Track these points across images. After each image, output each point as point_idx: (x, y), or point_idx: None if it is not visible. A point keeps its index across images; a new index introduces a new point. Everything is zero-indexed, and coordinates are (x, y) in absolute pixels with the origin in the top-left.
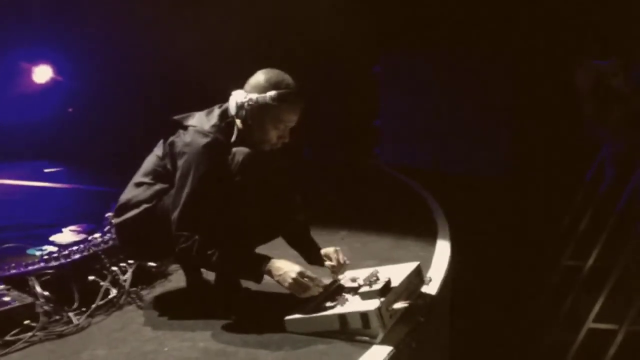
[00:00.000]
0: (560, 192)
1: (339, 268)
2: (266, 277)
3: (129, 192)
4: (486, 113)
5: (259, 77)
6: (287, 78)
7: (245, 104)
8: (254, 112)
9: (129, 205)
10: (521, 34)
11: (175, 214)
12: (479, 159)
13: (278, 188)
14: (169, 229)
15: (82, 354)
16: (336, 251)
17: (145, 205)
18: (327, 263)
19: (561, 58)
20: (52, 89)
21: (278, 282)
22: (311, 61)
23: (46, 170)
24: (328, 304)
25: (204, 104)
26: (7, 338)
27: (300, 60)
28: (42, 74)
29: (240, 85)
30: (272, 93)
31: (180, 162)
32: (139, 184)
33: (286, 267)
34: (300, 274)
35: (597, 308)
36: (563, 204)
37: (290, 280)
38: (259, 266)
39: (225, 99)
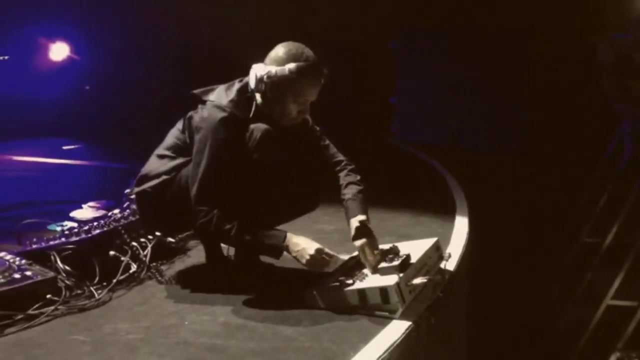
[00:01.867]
0: (579, 169)
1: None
2: (285, 254)
3: (151, 164)
4: (503, 89)
5: (279, 50)
6: (307, 51)
7: (265, 77)
8: (273, 86)
9: (149, 176)
10: (539, 8)
11: (193, 190)
12: (495, 136)
13: (295, 167)
14: (186, 202)
15: (104, 327)
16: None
17: (164, 177)
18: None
19: (579, 33)
20: (69, 67)
21: (295, 258)
22: (327, 37)
23: (64, 148)
24: (347, 279)
25: (221, 80)
26: (30, 312)
27: (317, 36)
28: (59, 51)
29: (257, 61)
30: (291, 66)
31: (197, 137)
32: (161, 156)
33: (304, 244)
34: (319, 251)
35: (616, 285)
36: (581, 181)
37: (307, 257)
38: (278, 241)
39: (244, 73)
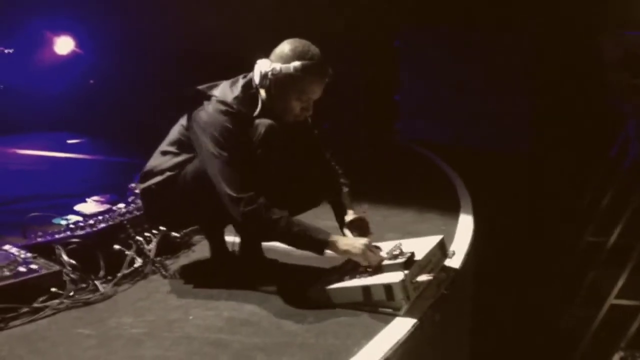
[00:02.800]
0: (583, 168)
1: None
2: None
3: (155, 160)
4: (508, 87)
5: (285, 46)
6: (313, 49)
7: (269, 74)
8: (277, 82)
9: (153, 172)
10: (543, 7)
11: (223, 184)
12: (500, 134)
13: (308, 157)
14: (191, 198)
15: (109, 321)
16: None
17: (168, 173)
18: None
19: (584, 31)
20: (73, 61)
21: (346, 251)
22: (332, 35)
23: (69, 142)
24: (352, 276)
25: (225, 76)
26: (35, 305)
27: (321, 33)
28: (64, 45)
29: (261, 57)
30: (296, 63)
31: (203, 135)
32: (164, 153)
33: (352, 238)
34: (368, 244)
35: (619, 284)
36: (586, 180)
37: (362, 247)
38: (326, 236)
39: (250, 69)
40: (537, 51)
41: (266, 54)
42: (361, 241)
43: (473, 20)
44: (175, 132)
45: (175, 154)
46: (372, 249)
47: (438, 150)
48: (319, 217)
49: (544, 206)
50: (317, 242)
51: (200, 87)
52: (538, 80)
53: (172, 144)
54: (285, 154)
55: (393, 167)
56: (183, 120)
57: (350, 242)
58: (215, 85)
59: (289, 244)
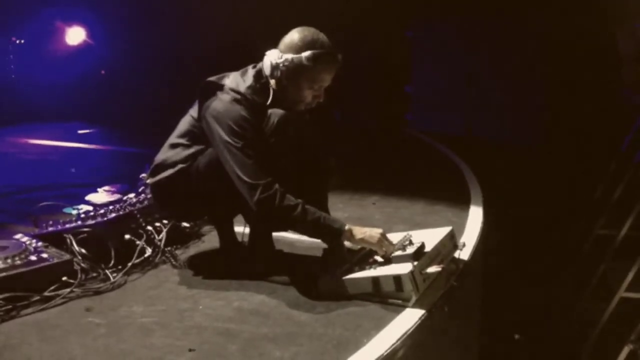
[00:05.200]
0: (594, 161)
1: None
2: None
3: (165, 153)
4: (519, 80)
5: (294, 36)
6: (322, 37)
7: (280, 65)
8: (289, 73)
9: (164, 165)
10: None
11: (239, 171)
12: (512, 126)
13: (311, 151)
14: (203, 189)
15: (119, 310)
16: None
17: (180, 166)
18: None
19: (596, 23)
20: (85, 51)
21: (362, 239)
22: (344, 25)
23: (80, 132)
24: (361, 266)
25: (236, 66)
26: (46, 294)
27: (333, 23)
28: (75, 35)
29: (273, 45)
30: (307, 53)
31: (217, 125)
32: (174, 145)
33: (367, 228)
34: (383, 234)
35: (629, 277)
36: (596, 172)
37: (378, 236)
38: (341, 225)
39: (258, 59)
40: (550, 42)
41: (275, 44)
42: (377, 230)
43: (486, 11)
44: (185, 123)
45: (187, 146)
46: (388, 239)
47: (449, 142)
48: (331, 208)
49: (555, 199)
50: (333, 231)
51: (211, 79)
52: (551, 73)
53: (183, 135)
54: (297, 143)
55: (403, 158)
56: (193, 112)
57: (366, 231)
58: (225, 76)
59: (303, 233)
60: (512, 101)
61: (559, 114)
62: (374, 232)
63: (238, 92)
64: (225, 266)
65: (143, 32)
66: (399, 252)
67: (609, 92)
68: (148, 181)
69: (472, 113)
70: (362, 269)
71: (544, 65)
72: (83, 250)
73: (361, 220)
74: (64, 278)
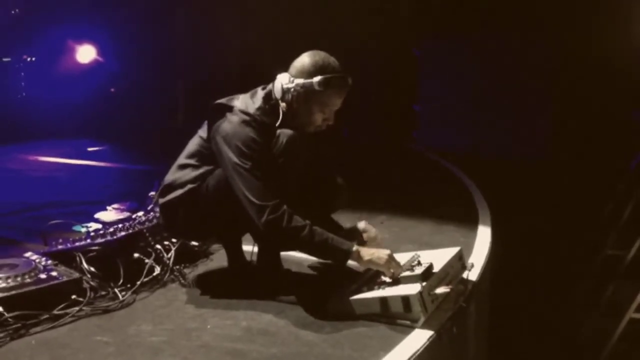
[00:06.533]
0: (602, 179)
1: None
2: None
3: (174, 174)
4: (525, 97)
5: (305, 60)
6: (333, 61)
7: (292, 89)
8: (299, 97)
9: (174, 186)
10: (561, 15)
11: (247, 193)
12: (519, 144)
13: (320, 170)
14: (212, 209)
15: (128, 328)
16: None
17: (190, 186)
18: (366, 235)
19: (603, 39)
20: (95, 69)
21: (370, 261)
22: (351, 44)
23: (90, 149)
24: (369, 287)
25: (245, 84)
26: (55, 312)
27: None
28: (86, 53)
29: (282, 67)
30: (318, 78)
31: (226, 146)
32: (184, 166)
33: (375, 249)
34: (390, 255)
35: (638, 299)
36: (605, 191)
37: (386, 257)
38: (349, 247)
39: (268, 81)
40: (555, 61)
41: (284, 65)
42: (385, 251)
43: (492, 30)
44: (193, 144)
45: (196, 167)
46: (395, 260)
47: (456, 160)
48: None
49: (563, 217)
50: (340, 252)
51: (220, 101)
52: (558, 90)
53: (191, 156)
54: (306, 163)
55: (411, 176)
56: (202, 132)
57: (374, 252)
58: (235, 98)
59: (311, 254)
60: (519, 118)
61: (567, 132)
62: (381, 254)
63: (247, 114)
64: (234, 285)
65: (153, 51)
66: (407, 273)
67: (618, 110)
68: (158, 202)
69: (480, 130)
70: (370, 289)
71: (552, 82)
72: (92, 269)
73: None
74: (73, 296)
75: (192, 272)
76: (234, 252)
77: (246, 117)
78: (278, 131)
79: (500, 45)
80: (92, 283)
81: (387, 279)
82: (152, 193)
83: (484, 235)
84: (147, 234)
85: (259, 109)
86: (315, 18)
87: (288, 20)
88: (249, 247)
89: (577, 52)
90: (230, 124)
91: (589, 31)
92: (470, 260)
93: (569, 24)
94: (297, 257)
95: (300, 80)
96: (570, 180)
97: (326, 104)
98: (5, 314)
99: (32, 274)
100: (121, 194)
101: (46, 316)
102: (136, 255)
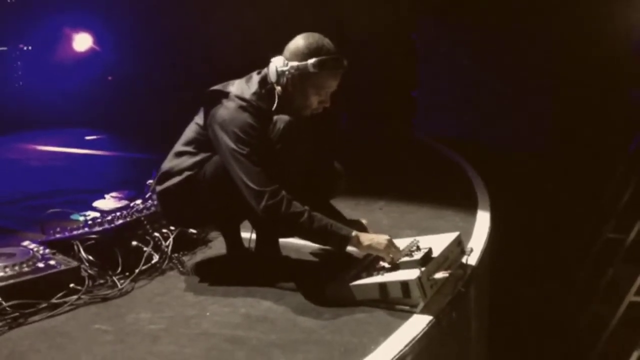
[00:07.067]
0: (602, 164)
1: None
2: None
3: (171, 161)
4: (527, 84)
5: (299, 43)
6: (327, 43)
7: (286, 72)
8: (295, 80)
9: (171, 173)
10: (564, 4)
11: (245, 178)
12: (518, 130)
13: (318, 156)
14: (210, 196)
15: (127, 317)
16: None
17: (187, 173)
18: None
19: (604, 29)
20: (92, 58)
21: (369, 246)
22: (348, 28)
23: (87, 138)
24: (369, 272)
25: (242, 73)
26: (54, 300)
27: (338, 26)
28: (82, 42)
29: (278, 51)
30: (313, 60)
31: (223, 132)
32: (180, 153)
33: (375, 235)
34: (390, 240)
35: (638, 281)
36: (605, 177)
37: (385, 243)
38: (348, 232)
39: (264, 65)
40: (556, 47)
41: (280, 49)
42: (384, 237)
43: (492, 15)
44: (190, 131)
45: (193, 154)
46: (395, 245)
47: (455, 146)
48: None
49: (563, 203)
50: (340, 238)
51: (215, 87)
52: (557, 77)
53: (189, 143)
54: (304, 147)
55: (410, 162)
56: (198, 119)
57: (373, 237)
58: (230, 84)
59: (310, 240)
60: (518, 105)
61: (566, 118)
62: (381, 239)
63: (243, 99)
64: (233, 272)
65: (150, 39)
66: (406, 258)
67: (616, 95)
68: (155, 189)
69: (479, 117)
70: (369, 275)
71: (551, 69)
72: (90, 257)
73: (368, 226)
74: (72, 285)
75: (190, 260)
76: (233, 239)
77: (242, 103)
78: (275, 117)
79: (500, 31)
80: (90, 271)
81: (387, 265)
82: (150, 181)
83: (483, 220)
84: (145, 222)
85: (254, 94)
86: (312, 2)
87: (285, 4)
88: (247, 234)
89: (578, 40)
90: (226, 110)
91: (590, 20)
92: (470, 245)
93: (570, 11)
94: (295, 244)
95: (295, 63)
96: (571, 167)
97: (322, 86)
98: (3, 303)
99: (30, 262)
100: (119, 182)
101: (44, 305)
102: (134, 243)
